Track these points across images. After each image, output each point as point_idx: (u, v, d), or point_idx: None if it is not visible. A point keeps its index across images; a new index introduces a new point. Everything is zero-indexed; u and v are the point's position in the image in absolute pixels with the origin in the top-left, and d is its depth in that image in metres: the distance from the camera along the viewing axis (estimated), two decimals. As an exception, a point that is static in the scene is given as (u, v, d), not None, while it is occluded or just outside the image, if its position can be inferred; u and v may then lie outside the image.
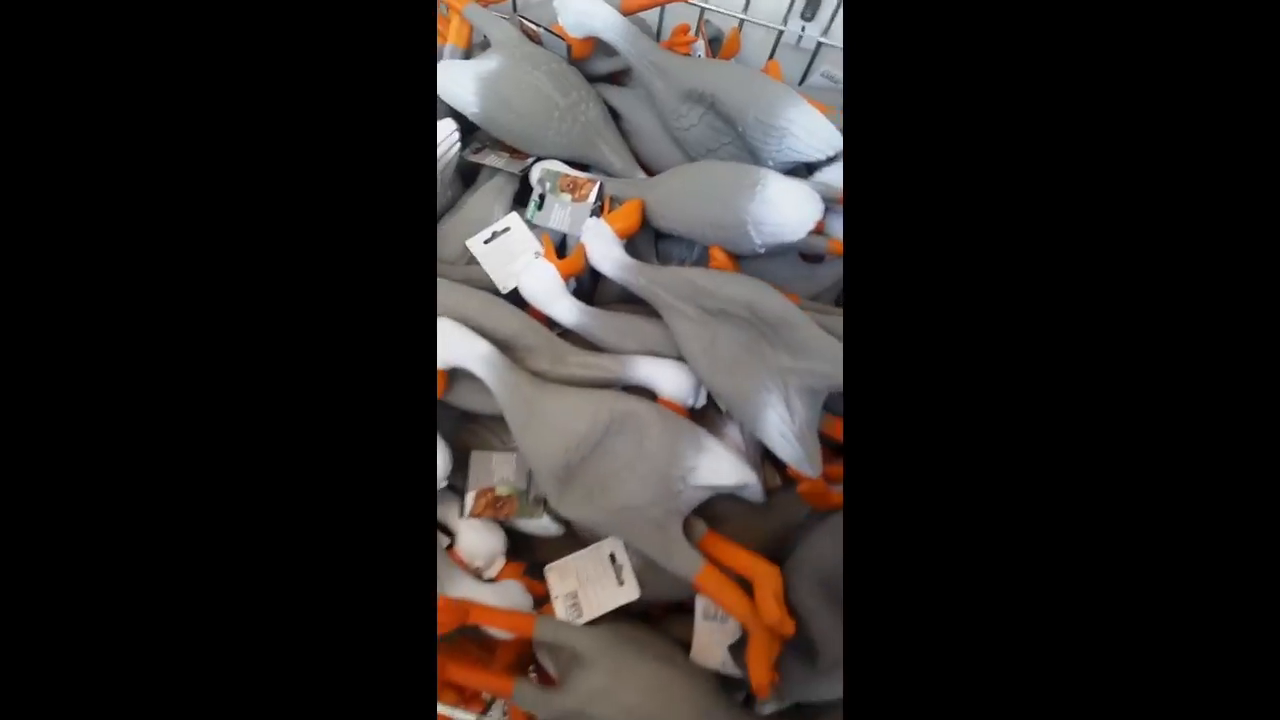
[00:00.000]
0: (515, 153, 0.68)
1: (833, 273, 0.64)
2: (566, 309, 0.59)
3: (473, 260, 0.62)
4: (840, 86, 0.77)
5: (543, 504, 0.58)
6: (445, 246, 0.64)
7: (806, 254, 0.64)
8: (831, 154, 0.60)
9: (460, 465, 0.59)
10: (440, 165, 0.63)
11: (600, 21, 0.63)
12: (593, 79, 0.69)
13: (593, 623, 0.55)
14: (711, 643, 0.55)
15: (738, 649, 0.53)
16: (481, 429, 0.62)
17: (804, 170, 0.63)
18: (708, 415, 0.59)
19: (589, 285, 0.67)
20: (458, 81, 0.64)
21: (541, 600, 0.58)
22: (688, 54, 0.71)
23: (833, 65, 0.78)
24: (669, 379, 0.56)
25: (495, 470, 0.59)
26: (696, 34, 0.75)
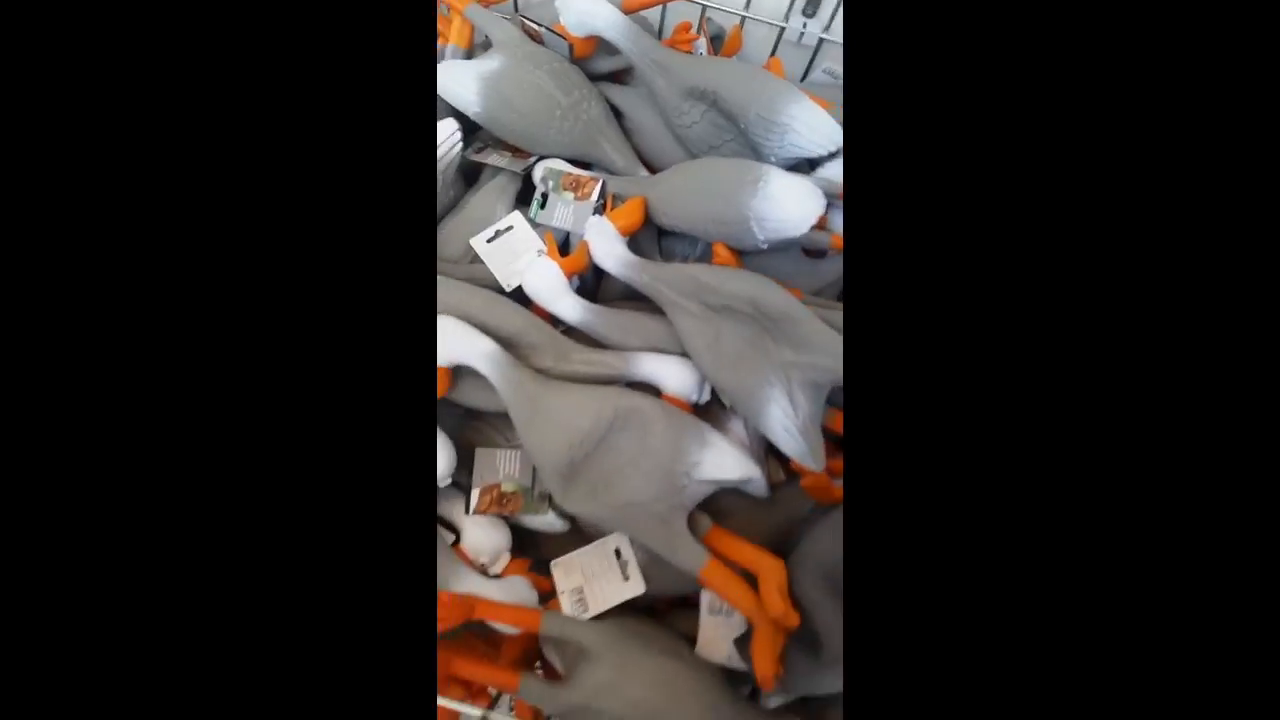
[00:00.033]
0: (517, 152, 0.68)
1: (835, 268, 0.64)
2: (570, 306, 0.59)
3: (476, 259, 0.63)
4: (841, 83, 0.77)
5: (547, 500, 0.58)
6: (449, 246, 0.65)
7: (809, 249, 0.64)
8: (833, 149, 0.60)
9: (465, 462, 0.59)
10: (443, 165, 0.63)
11: (602, 20, 0.63)
12: (595, 78, 0.69)
13: (598, 618, 0.56)
14: (717, 637, 0.55)
15: (743, 643, 0.54)
16: (486, 426, 0.62)
17: (806, 166, 0.63)
18: (712, 411, 0.60)
19: (592, 283, 0.67)
20: (459, 81, 0.64)
21: (547, 596, 0.58)
22: (689, 52, 0.71)
23: (834, 61, 0.78)
24: (673, 375, 0.56)
25: (500, 467, 0.59)
26: (698, 32, 0.75)
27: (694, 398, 0.57)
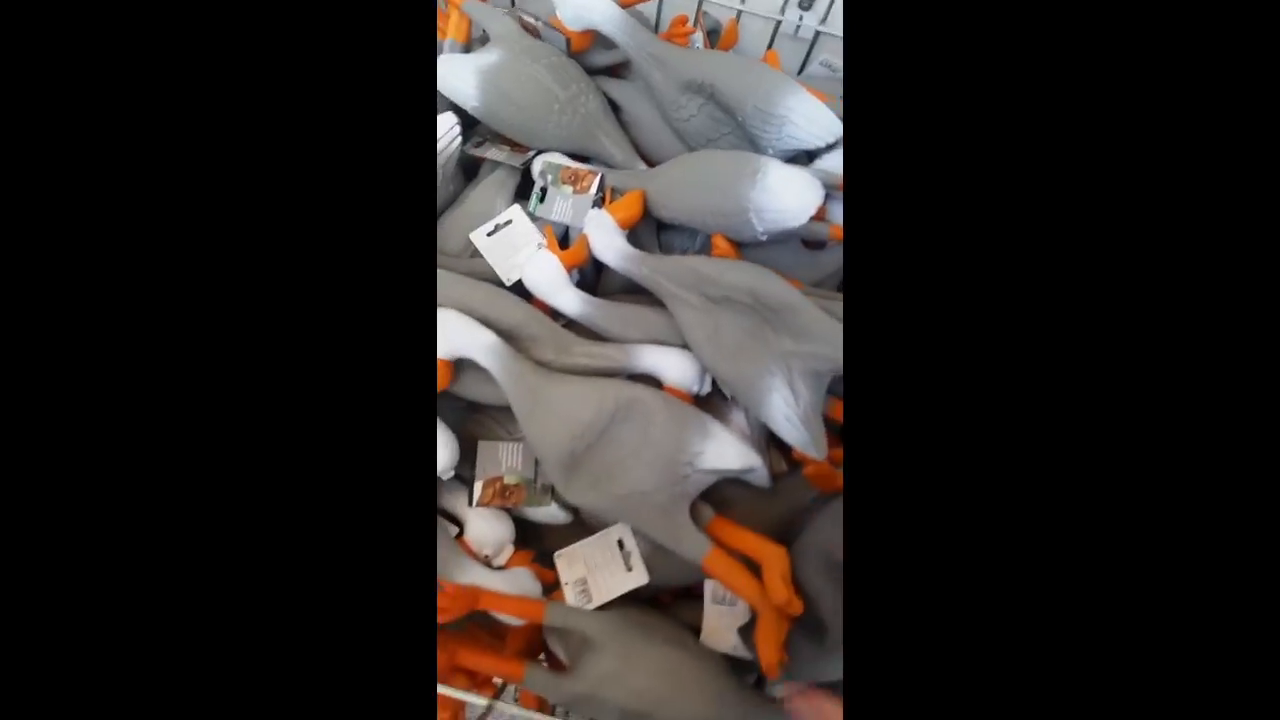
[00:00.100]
0: (516, 146, 0.68)
1: (834, 259, 0.64)
2: (570, 299, 0.59)
3: (476, 253, 0.63)
4: (839, 75, 0.77)
5: (550, 492, 0.59)
6: (449, 240, 0.65)
7: (808, 240, 0.64)
8: (831, 141, 0.61)
9: (468, 455, 0.59)
10: (442, 159, 0.64)
11: (599, 14, 0.63)
12: (592, 71, 0.69)
13: (602, 608, 0.56)
14: (721, 626, 0.56)
15: (747, 631, 0.54)
16: (488, 419, 0.63)
17: (804, 158, 0.63)
18: (712, 402, 0.60)
19: (592, 277, 0.67)
20: (458, 75, 0.64)
21: (551, 587, 0.59)
22: (686, 45, 0.71)
23: (831, 54, 0.78)
24: (674, 367, 0.57)
25: (502, 460, 0.60)
26: (695, 25, 0.75)
27: (695, 389, 0.57)
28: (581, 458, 0.53)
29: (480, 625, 0.59)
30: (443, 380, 0.56)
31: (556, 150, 0.67)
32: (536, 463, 0.59)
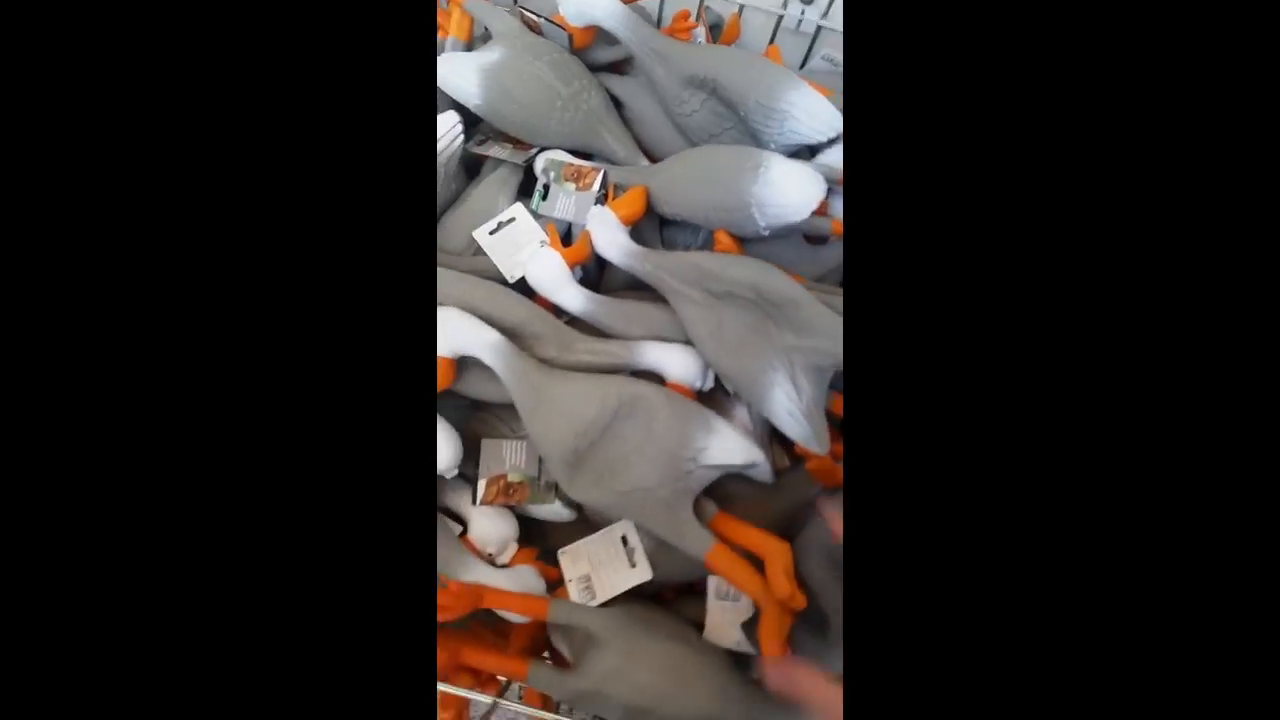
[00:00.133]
0: (518, 143, 0.68)
1: (836, 254, 0.64)
2: (573, 296, 0.59)
3: (479, 251, 0.63)
4: (841, 70, 0.77)
5: (554, 489, 0.59)
6: (451, 238, 0.65)
7: (810, 236, 0.64)
8: (833, 136, 0.60)
9: (471, 453, 0.59)
10: (444, 158, 0.64)
11: (601, 10, 0.63)
12: (594, 68, 0.69)
13: (606, 604, 0.56)
14: (725, 622, 0.55)
15: (750, 627, 0.54)
16: (491, 417, 0.63)
17: (806, 153, 0.63)
18: (715, 397, 0.60)
19: (595, 274, 0.67)
20: (460, 74, 0.64)
21: (555, 584, 0.59)
22: (688, 40, 0.71)
23: (832, 48, 0.78)
24: (677, 363, 0.57)
25: (506, 457, 0.60)
26: (697, 20, 0.75)
27: (698, 384, 0.57)
28: (585, 455, 0.53)
29: (484, 623, 0.59)
30: (446, 379, 0.56)
31: (559, 147, 0.67)
32: (540, 460, 0.59)
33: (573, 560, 0.58)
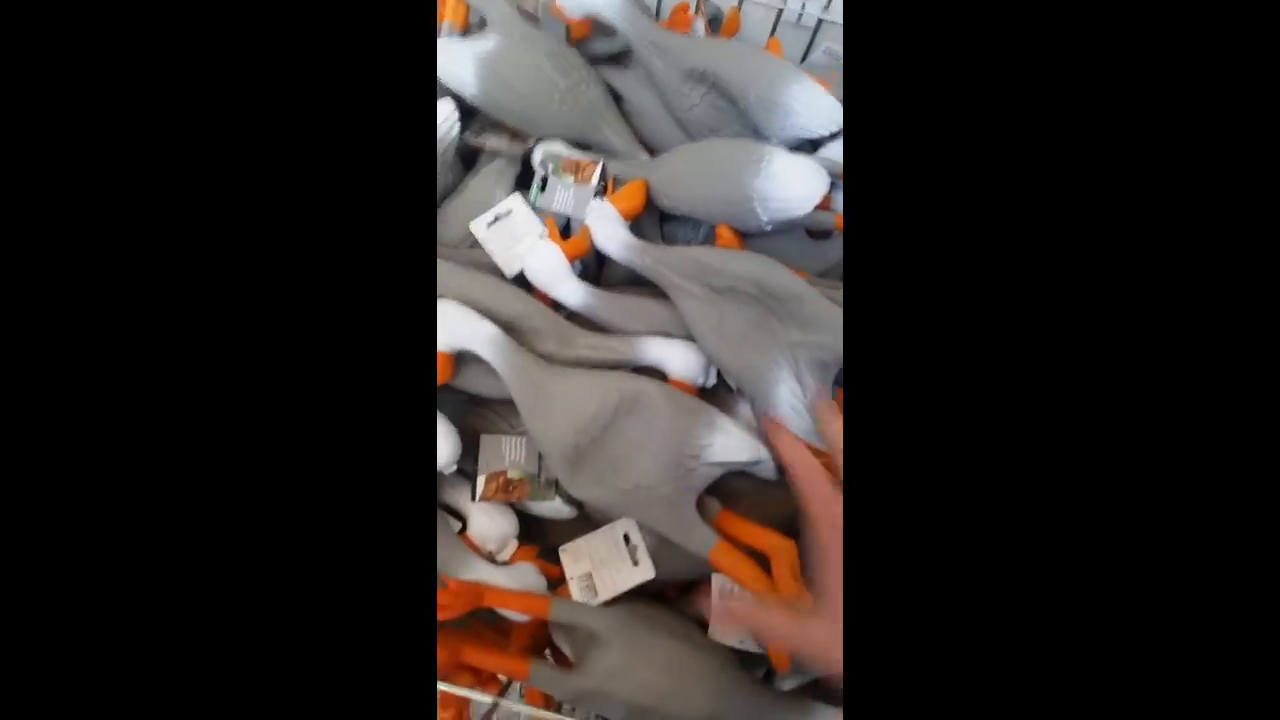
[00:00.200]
0: (516, 135, 0.67)
1: (839, 249, 0.64)
2: (572, 290, 0.59)
3: (476, 244, 0.62)
4: (842, 63, 0.77)
5: (554, 486, 0.58)
6: (448, 230, 0.64)
7: (813, 230, 0.64)
8: (835, 129, 0.60)
9: (470, 450, 0.58)
10: (440, 148, 0.63)
11: (598, 0, 0.62)
12: (592, 60, 0.68)
13: (608, 603, 0.55)
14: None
15: (754, 624, 0.53)
16: (490, 413, 0.62)
17: (808, 147, 0.62)
18: (718, 394, 0.59)
19: (595, 268, 0.67)
20: (455, 61, 0.63)
21: (556, 582, 0.58)
22: (688, 33, 0.70)
23: (834, 42, 0.77)
24: (678, 359, 0.56)
25: (506, 454, 0.59)
26: (696, 12, 0.74)
27: (700, 381, 0.57)
28: (586, 451, 0.52)
29: (485, 622, 0.58)
30: (444, 373, 0.55)
31: (557, 139, 0.66)
32: (540, 457, 0.59)
33: (574, 558, 0.57)
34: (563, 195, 0.62)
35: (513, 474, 0.58)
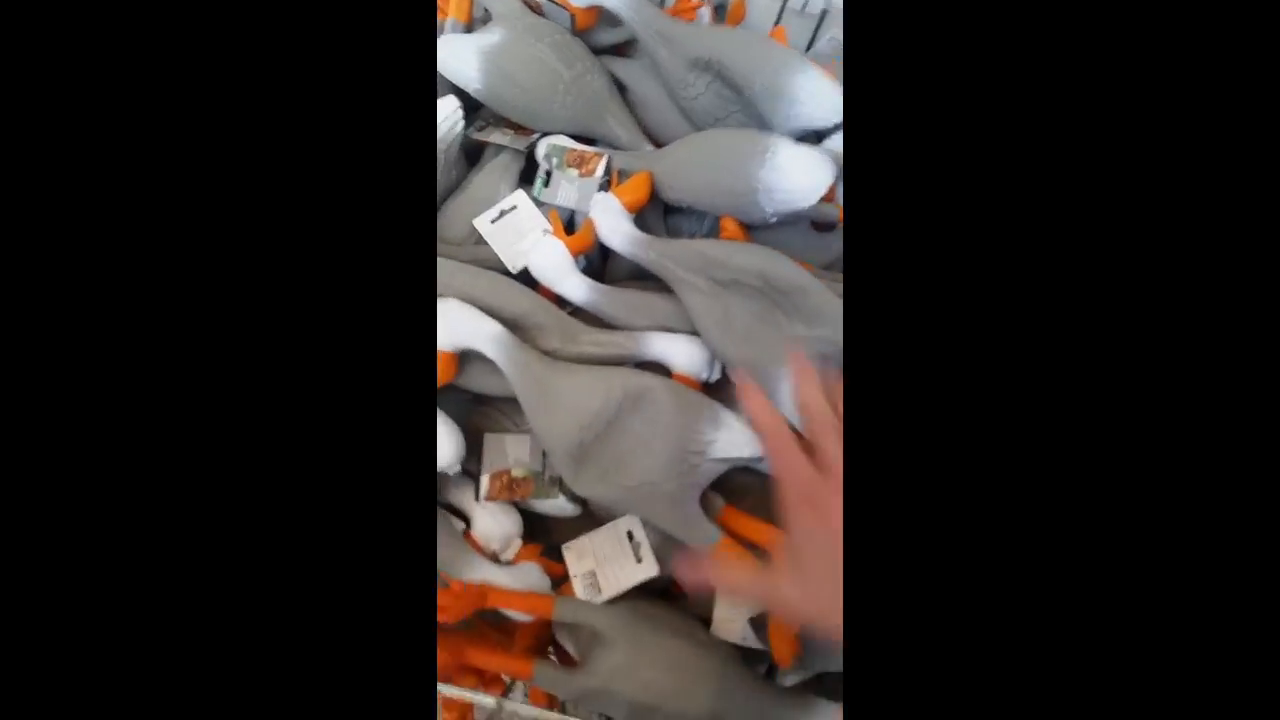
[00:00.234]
0: (520, 129, 0.66)
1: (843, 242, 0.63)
2: (576, 286, 0.58)
3: (480, 240, 0.61)
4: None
5: (558, 484, 0.58)
6: (452, 227, 0.64)
7: (818, 223, 0.63)
8: (840, 120, 0.59)
9: (474, 449, 0.58)
10: (444, 145, 0.62)
11: (604, -11, 0.62)
12: (597, 50, 0.67)
13: (612, 601, 0.55)
14: (731, 617, 0.55)
15: (758, 621, 0.53)
16: (494, 411, 0.61)
17: (813, 138, 0.61)
18: (723, 389, 0.59)
19: (599, 263, 0.66)
20: (459, 56, 0.63)
21: (559, 581, 0.58)
22: (693, 21, 0.69)
23: (839, 30, 0.76)
24: (683, 354, 0.55)
25: (509, 452, 0.59)
26: (701, 0, 0.73)
27: (704, 376, 0.56)
28: (590, 448, 0.52)
29: (488, 622, 0.58)
30: (447, 373, 0.55)
31: (561, 132, 0.65)
32: (544, 454, 0.58)
33: (578, 556, 0.57)
34: (567, 189, 0.62)
35: (517, 472, 0.58)
